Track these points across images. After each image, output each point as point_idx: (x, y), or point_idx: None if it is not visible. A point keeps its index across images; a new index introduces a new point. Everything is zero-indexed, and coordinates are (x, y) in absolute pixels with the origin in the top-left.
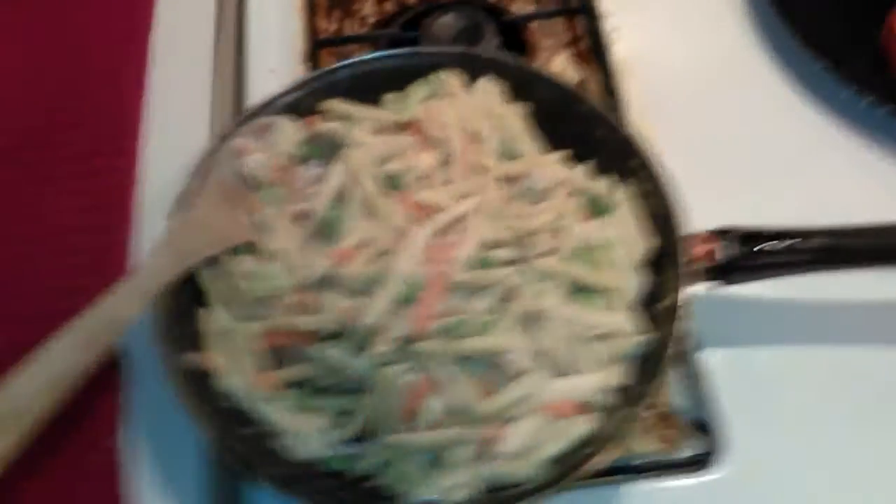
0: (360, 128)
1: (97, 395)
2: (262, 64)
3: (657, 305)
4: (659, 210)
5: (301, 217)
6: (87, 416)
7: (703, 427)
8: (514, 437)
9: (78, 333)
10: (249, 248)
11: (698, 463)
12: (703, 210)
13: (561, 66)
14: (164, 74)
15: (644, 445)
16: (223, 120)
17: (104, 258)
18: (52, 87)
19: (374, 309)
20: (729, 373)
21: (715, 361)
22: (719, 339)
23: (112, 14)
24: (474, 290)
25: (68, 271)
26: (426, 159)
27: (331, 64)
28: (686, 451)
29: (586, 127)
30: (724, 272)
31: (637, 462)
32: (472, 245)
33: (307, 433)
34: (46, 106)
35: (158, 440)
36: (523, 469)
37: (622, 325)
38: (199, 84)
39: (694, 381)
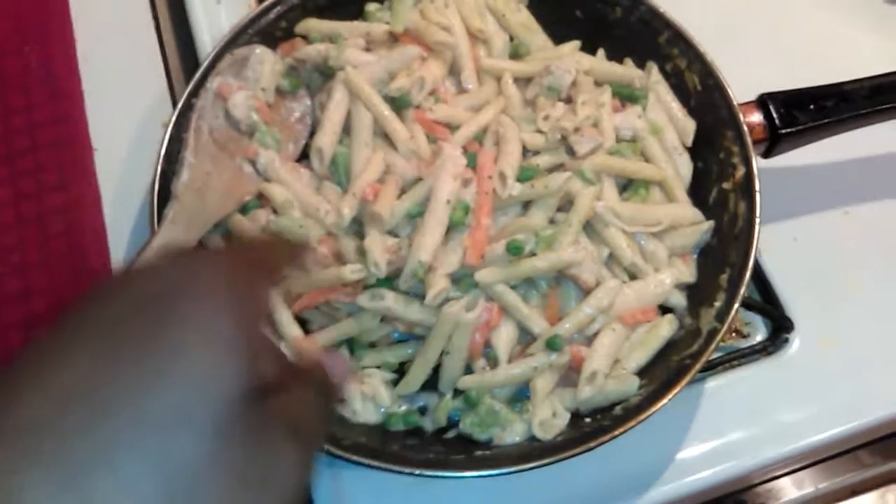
0: (351, 46)
1: None
2: None
3: (722, 185)
4: (699, 85)
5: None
6: None
7: (768, 311)
8: (598, 354)
9: None
10: (258, 200)
11: (771, 346)
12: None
13: None
14: (93, 26)
15: None
16: (176, 64)
17: (79, 242)
18: None
19: (426, 244)
20: (782, 250)
21: (767, 240)
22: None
23: None
24: (528, 203)
25: (44, 262)
26: (435, 70)
27: None
28: (757, 337)
29: (598, 9)
30: (775, 140)
31: (714, 356)
32: (515, 155)
33: (371, 393)
34: None
35: None
36: (615, 387)
37: (686, 214)
38: (136, 30)
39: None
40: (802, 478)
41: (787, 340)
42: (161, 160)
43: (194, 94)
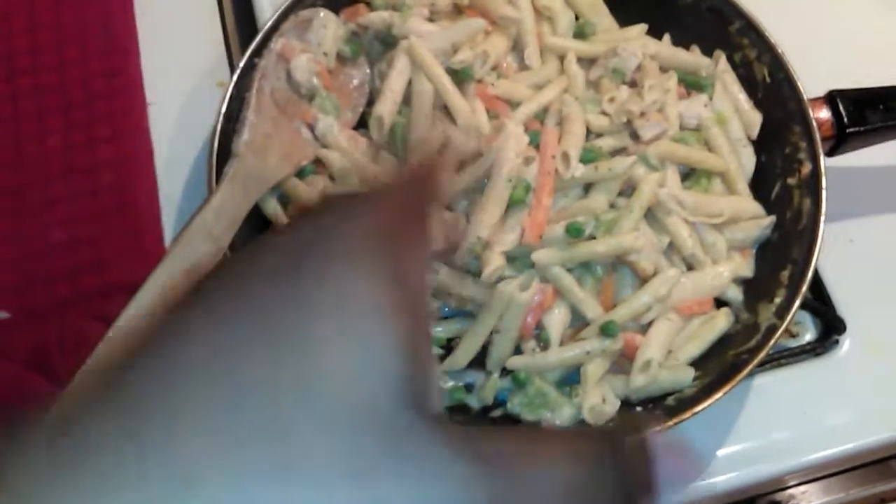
0: (415, 15)
1: None
2: None
3: (787, 181)
4: (768, 77)
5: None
6: None
7: (820, 310)
8: (653, 342)
9: (156, 292)
10: (314, 166)
11: (820, 347)
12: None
13: None
14: None
15: None
16: (233, 24)
17: (130, 195)
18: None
19: (485, 220)
20: (838, 251)
21: (824, 240)
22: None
23: None
24: (588, 185)
25: (93, 213)
26: (498, 44)
27: None
28: (806, 337)
29: None
30: (842, 138)
31: None
32: (579, 135)
33: None
34: (25, 25)
35: None
36: (669, 377)
37: (747, 208)
38: None
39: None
40: (833, 484)
41: (837, 342)
42: (221, 118)
43: (257, 53)
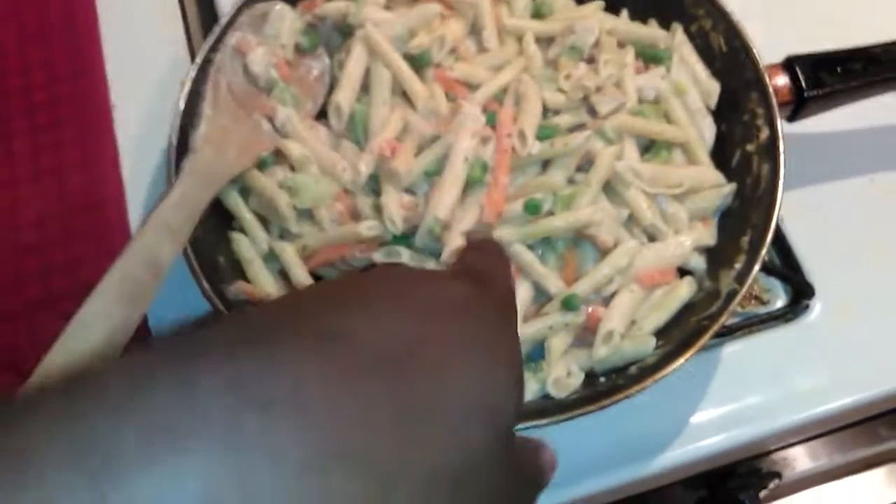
0: (370, 4)
1: None
2: None
3: (745, 147)
4: (724, 46)
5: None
6: None
7: (789, 276)
8: (615, 314)
9: (115, 286)
10: (274, 157)
11: (790, 312)
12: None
13: None
14: None
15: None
16: (195, 22)
17: (97, 196)
18: None
19: (443, 201)
20: (805, 217)
21: (790, 207)
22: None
23: None
24: (547, 162)
25: (61, 214)
26: (455, 28)
27: None
28: (777, 304)
29: None
30: (801, 103)
31: (732, 321)
32: (535, 113)
33: None
34: None
35: None
36: (631, 347)
37: (708, 177)
38: None
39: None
40: (817, 448)
41: (807, 307)
42: (180, 115)
43: (213, 49)
